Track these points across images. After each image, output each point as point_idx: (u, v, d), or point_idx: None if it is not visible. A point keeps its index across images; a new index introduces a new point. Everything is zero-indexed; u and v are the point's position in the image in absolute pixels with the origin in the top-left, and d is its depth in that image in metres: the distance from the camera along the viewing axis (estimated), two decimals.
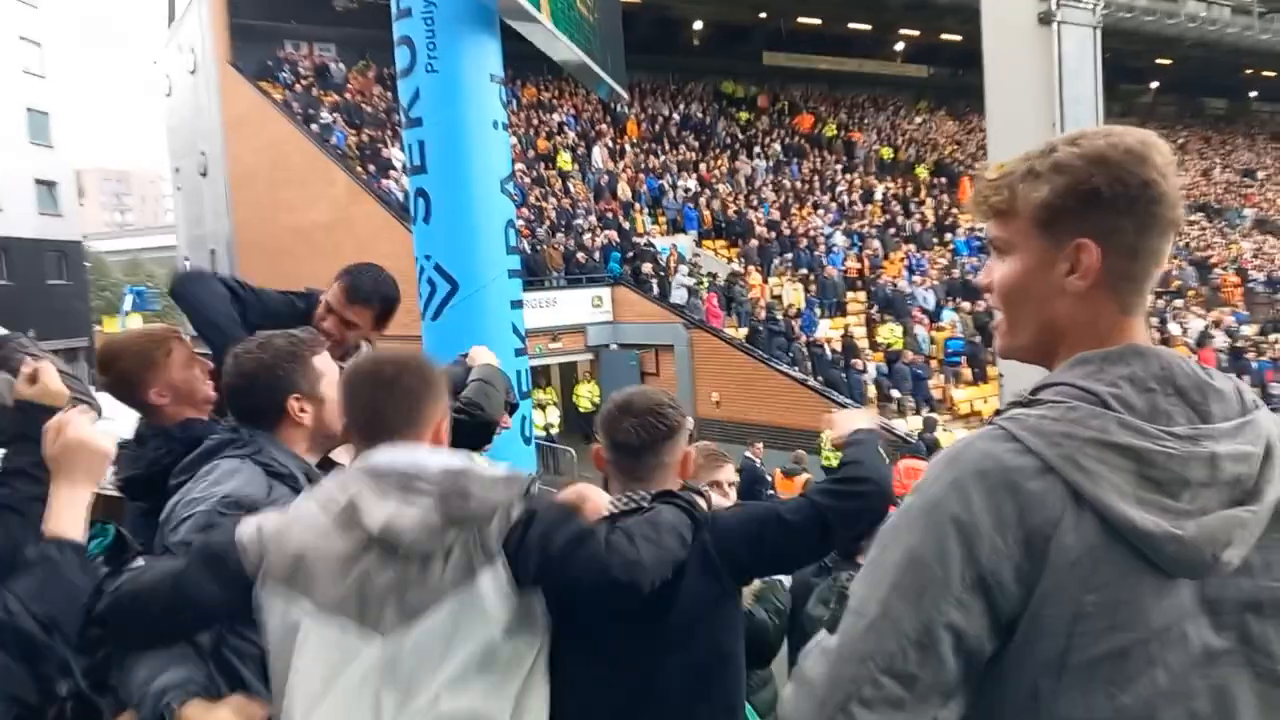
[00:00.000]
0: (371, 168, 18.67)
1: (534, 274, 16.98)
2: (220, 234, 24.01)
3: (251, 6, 21.56)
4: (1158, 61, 36.80)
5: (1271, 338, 21.54)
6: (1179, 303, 22.49)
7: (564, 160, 21.29)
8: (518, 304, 5.57)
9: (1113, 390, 1.13)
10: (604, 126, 22.96)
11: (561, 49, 6.20)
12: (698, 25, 28.20)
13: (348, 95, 21.50)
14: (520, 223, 17.77)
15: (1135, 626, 1.08)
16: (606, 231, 18.76)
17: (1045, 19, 6.30)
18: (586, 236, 18.50)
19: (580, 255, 17.82)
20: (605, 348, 18.04)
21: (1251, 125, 44.98)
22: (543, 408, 17.16)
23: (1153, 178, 1.16)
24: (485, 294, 5.26)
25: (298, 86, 21.26)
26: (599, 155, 21.74)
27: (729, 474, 3.11)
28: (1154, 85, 42.48)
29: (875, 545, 1.18)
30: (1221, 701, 1.11)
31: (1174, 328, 20.69)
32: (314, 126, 19.67)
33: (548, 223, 18.73)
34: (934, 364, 17.34)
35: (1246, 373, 19.26)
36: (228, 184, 22.93)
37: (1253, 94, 46.26)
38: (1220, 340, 20.42)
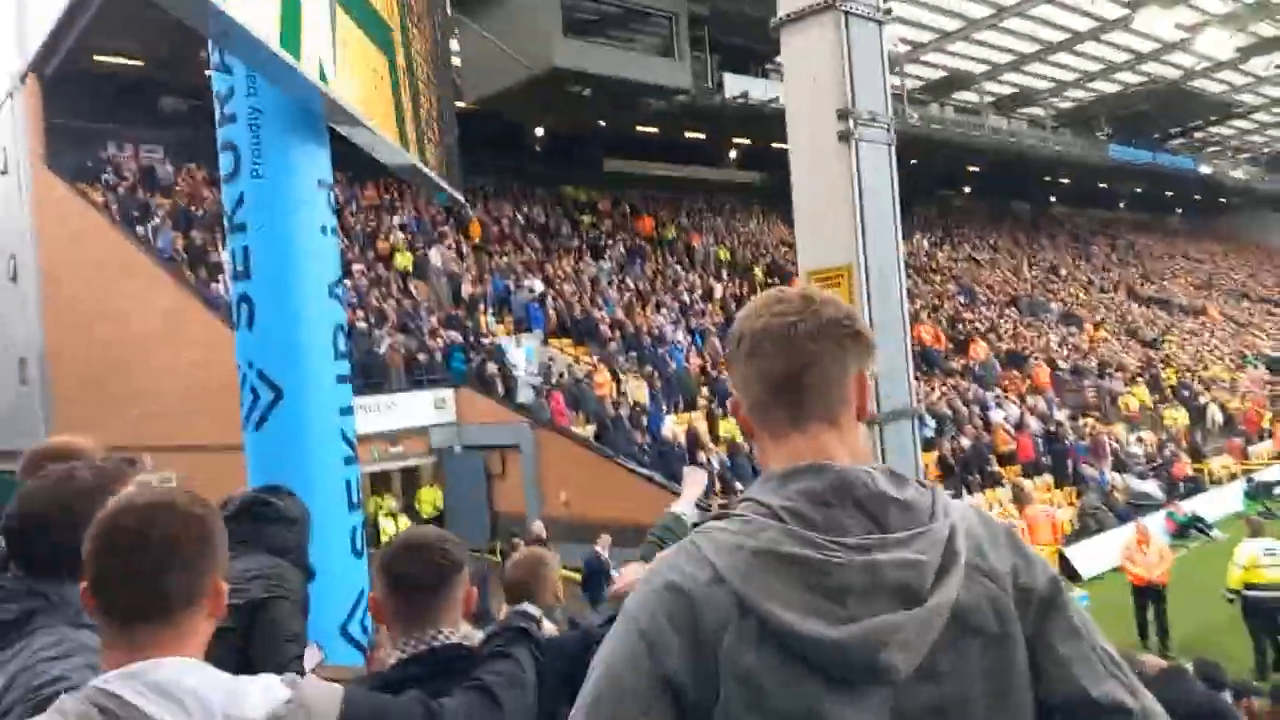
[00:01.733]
0: (202, 272, 17.98)
1: (372, 376, 16.58)
2: (31, 343, 22.47)
3: (70, 106, 20.66)
4: (969, 168, 39.93)
5: (1081, 422, 23.13)
6: (997, 392, 23.91)
7: (404, 260, 21.09)
8: (347, 410, 5.40)
9: (786, 504, 1.22)
10: (446, 229, 22.96)
11: (392, 153, 6.21)
12: (539, 132, 28.83)
13: (176, 197, 20.79)
14: (359, 325, 17.44)
15: None
16: (449, 332, 18.59)
17: (844, 137, 6.71)
18: (428, 338, 18.26)
19: (422, 356, 17.55)
20: (449, 450, 17.67)
21: (1053, 226, 49.09)
22: (393, 516, 16.54)
23: (744, 328, 1.37)
24: (311, 402, 5.09)
25: (121, 188, 20.41)
26: (440, 256, 21.65)
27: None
28: (966, 190, 45.97)
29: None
30: None
31: (996, 415, 21.97)
32: (139, 230, 18.86)
33: (388, 324, 18.40)
34: None
35: (1062, 455, 20.60)
36: (39, 290, 21.59)
37: (1052, 199, 50.67)
38: (1035, 425, 21.78)
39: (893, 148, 7.08)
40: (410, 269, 21.09)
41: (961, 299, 31.79)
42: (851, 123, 6.69)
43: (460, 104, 23.10)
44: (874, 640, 1.12)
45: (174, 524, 1.39)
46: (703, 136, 28.28)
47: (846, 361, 1.33)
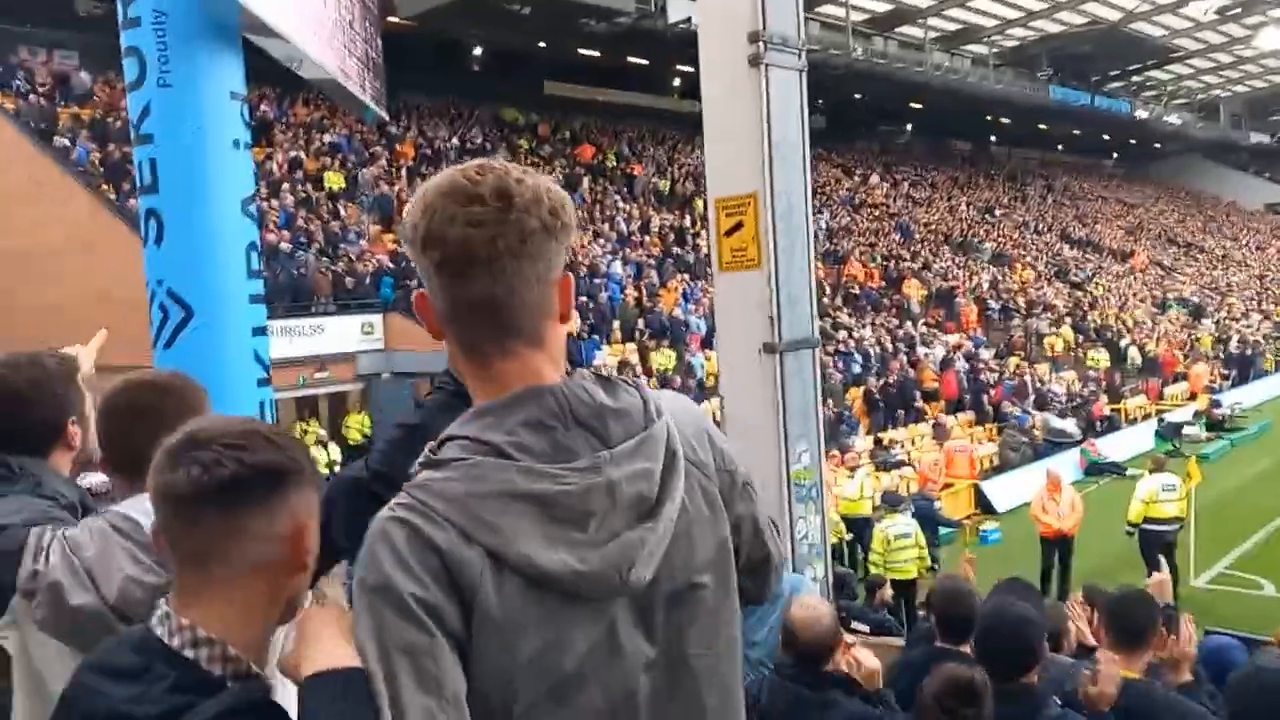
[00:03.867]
0: (125, 186, 17.33)
1: (298, 299, 16.25)
2: None
3: None
4: (911, 105, 40.01)
5: (1006, 360, 23.71)
6: (923, 329, 24.36)
7: (334, 180, 20.56)
8: (261, 331, 5.28)
9: (510, 439, 1.16)
10: (379, 149, 22.39)
11: (309, 66, 5.99)
12: (478, 51, 28.12)
13: (92, 107, 19.91)
14: (285, 246, 17.02)
15: (567, 662, 1.14)
16: (379, 256, 18.26)
17: (754, 61, 6.64)
18: (358, 261, 17.91)
19: (350, 280, 17.23)
20: (377, 377, 17.44)
21: (991, 166, 49.63)
22: (323, 444, 16.33)
23: (417, 220, 1.20)
24: (222, 321, 4.98)
25: (33, 97, 19.48)
26: (372, 177, 21.15)
27: None
28: (909, 127, 46.13)
29: None
30: (655, 700, 1.20)
31: (922, 350, 22.40)
32: (54, 141, 18.06)
33: (315, 246, 17.98)
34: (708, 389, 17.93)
35: (985, 392, 21.14)
36: None
37: (992, 138, 51.14)
38: (961, 363, 22.27)
39: (804, 74, 7.02)
40: (340, 189, 20.58)
41: (898, 236, 32.09)
42: (762, 46, 6.60)
43: (395, 19, 22.42)
44: (624, 562, 1.16)
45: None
46: (646, 63, 27.82)
47: (552, 269, 1.22)
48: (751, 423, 7.17)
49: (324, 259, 17.54)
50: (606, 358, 17.76)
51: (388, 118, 8.72)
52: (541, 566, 1.12)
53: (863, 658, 3.21)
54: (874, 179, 38.54)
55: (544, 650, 1.13)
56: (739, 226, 7.21)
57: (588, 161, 27.03)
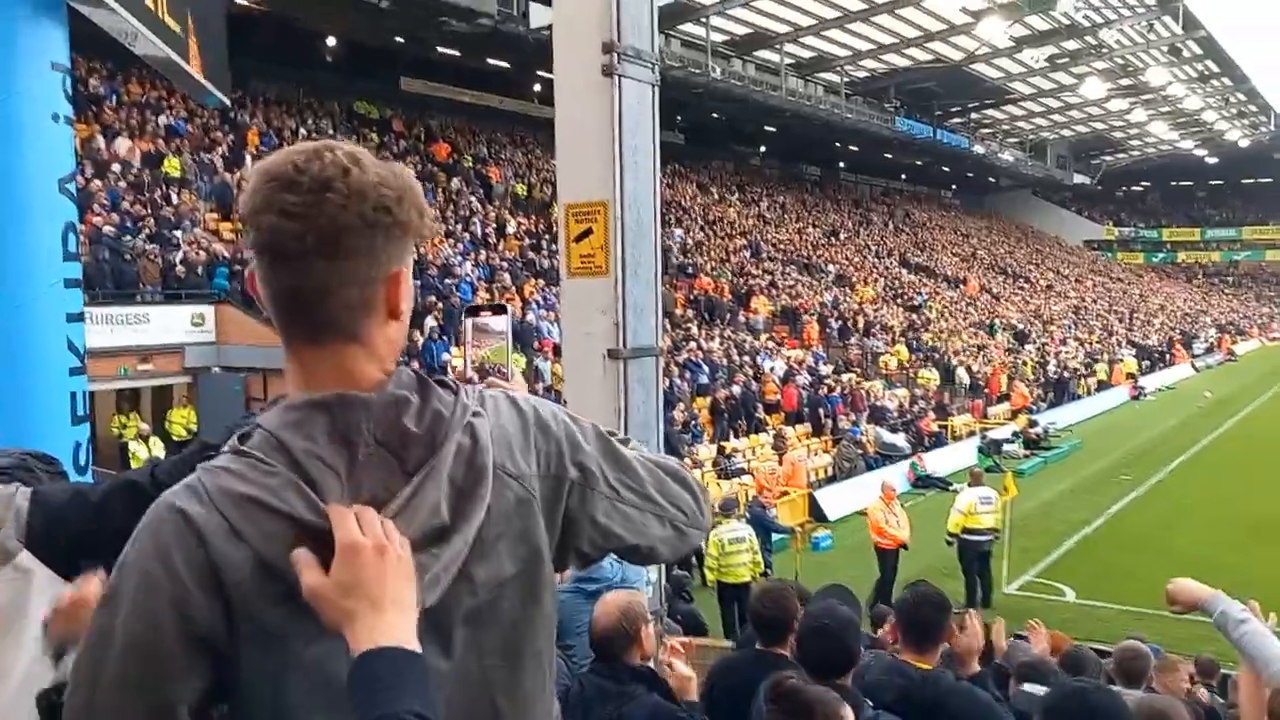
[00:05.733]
0: None
1: (123, 286, 15.37)
2: None
3: None
4: (766, 128, 41.19)
5: (843, 376, 24.68)
6: (768, 343, 25.12)
7: (170, 165, 19.54)
8: (76, 317, 5.00)
9: (308, 447, 1.12)
10: (220, 134, 21.44)
11: (143, 42, 5.71)
12: (331, 42, 27.33)
13: None
14: (110, 230, 16.07)
15: (345, 673, 1.05)
16: (214, 245, 17.46)
17: (607, 71, 6.75)
18: (190, 249, 17.06)
19: (181, 269, 16.40)
20: (206, 371, 16.61)
21: (839, 192, 51.61)
22: (144, 440, 15.45)
23: (245, 198, 1.14)
24: (33, 305, 4.68)
25: None
26: (211, 163, 20.22)
27: None
28: (762, 149, 47.47)
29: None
30: (449, 711, 1.14)
31: (766, 364, 23.09)
32: None
33: (146, 232, 17.02)
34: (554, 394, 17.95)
35: (822, 406, 21.96)
36: None
37: (841, 165, 53.18)
38: (803, 378, 23.08)
39: (656, 88, 7.17)
40: (176, 175, 19.57)
41: (748, 253, 32.97)
42: (615, 57, 6.71)
43: (245, 2, 21.57)
44: None
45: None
46: (507, 66, 27.66)
47: (377, 265, 1.15)
48: None
49: (154, 245, 16.61)
50: (454, 360, 17.54)
51: (229, 103, 8.38)
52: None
53: (676, 665, 3.24)
54: (728, 197, 39.51)
55: (320, 661, 1.08)
56: (589, 233, 7.27)
57: (443, 161, 26.64)
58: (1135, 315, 50.08)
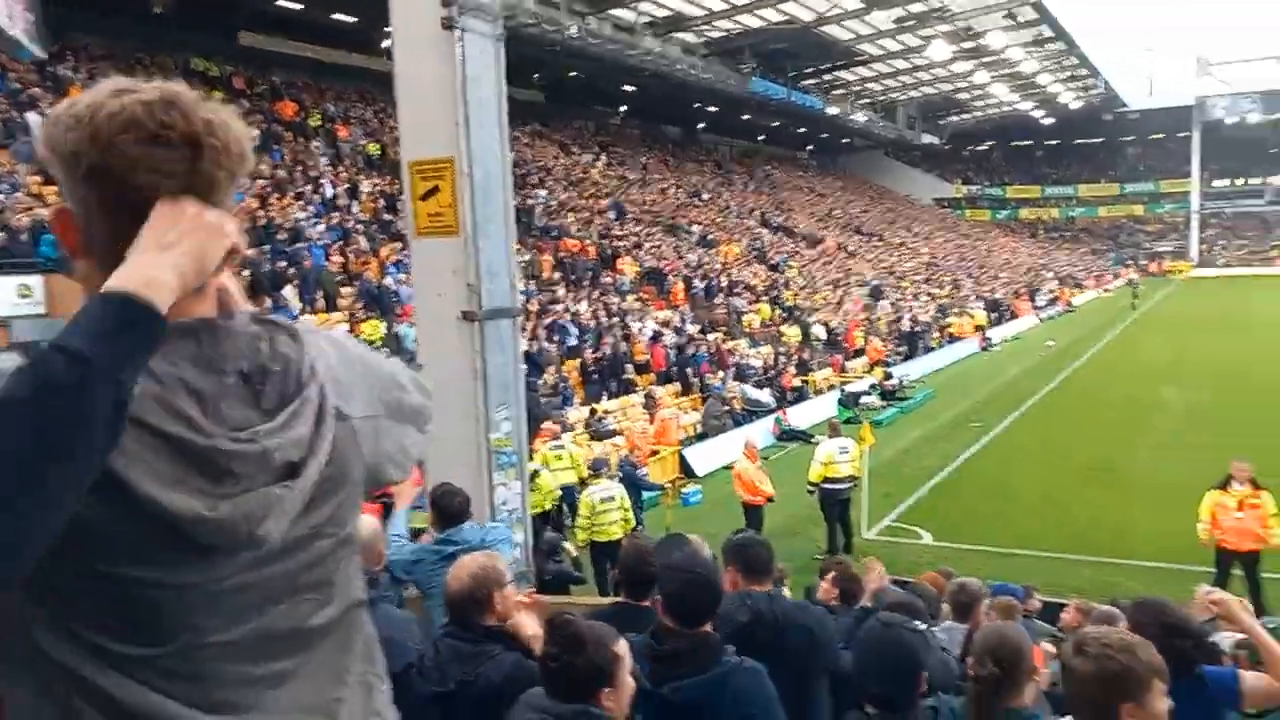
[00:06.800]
0: None
1: None
2: None
3: None
4: (625, 88, 40.98)
5: (709, 336, 24.96)
6: (635, 304, 25.15)
7: None
8: None
9: (172, 370, 1.12)
10: (40, 90, 19.79)
11: None
12: None
13: None
14: None
15: (159, 597, 1.08)
16: (39, 209, 16.15)
17: (447, 24, 6.51)
18: (13, 215, 15.75)
19: (2, 235, 15.13)
20: (35, 345, 15.40)
21: (700, 152, 52.00)
22: None
23: (81, 147, 1.12)
24: None
25: None
26: (33, 122, 18.67)
27: None
28: (622, 109, 47.29)
29: None
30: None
31: (634, 325, 23.09)
32: None
33: None
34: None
35: (689, 365, 22.14)
36: None
37: (700, 125, 53.55)
38: (670, 338, 23.21)
39: (501, 41, 6.95)
40: None
41: (613, 215, 32.83)
42: (456, 10, 6.47)
43: None
44: (255, 515, 1.12)
45: None
46: (355, 20, 26.50)
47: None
48: (450, 391, 7.00)
49: None
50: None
51: (46, 56, 7.66)
52: (160, 503, 1.05)
53: (523, 623, 3.21)
54: (589, 158, 39.23)
55: (137, 581, 1.07)
56: (435, 190, 6.99)
57: (289, 119, 25.39)
58: (983, 270, 52.41)
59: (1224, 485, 10.17)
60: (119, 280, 1.03)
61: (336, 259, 19.44)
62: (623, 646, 2.51)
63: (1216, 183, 76.63)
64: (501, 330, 7.10)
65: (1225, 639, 4.64)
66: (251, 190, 20.22)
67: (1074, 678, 2.40)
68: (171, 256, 1.07)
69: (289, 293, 17.46)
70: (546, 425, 14.94)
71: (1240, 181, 76.52)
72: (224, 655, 1.13)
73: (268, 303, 16.44)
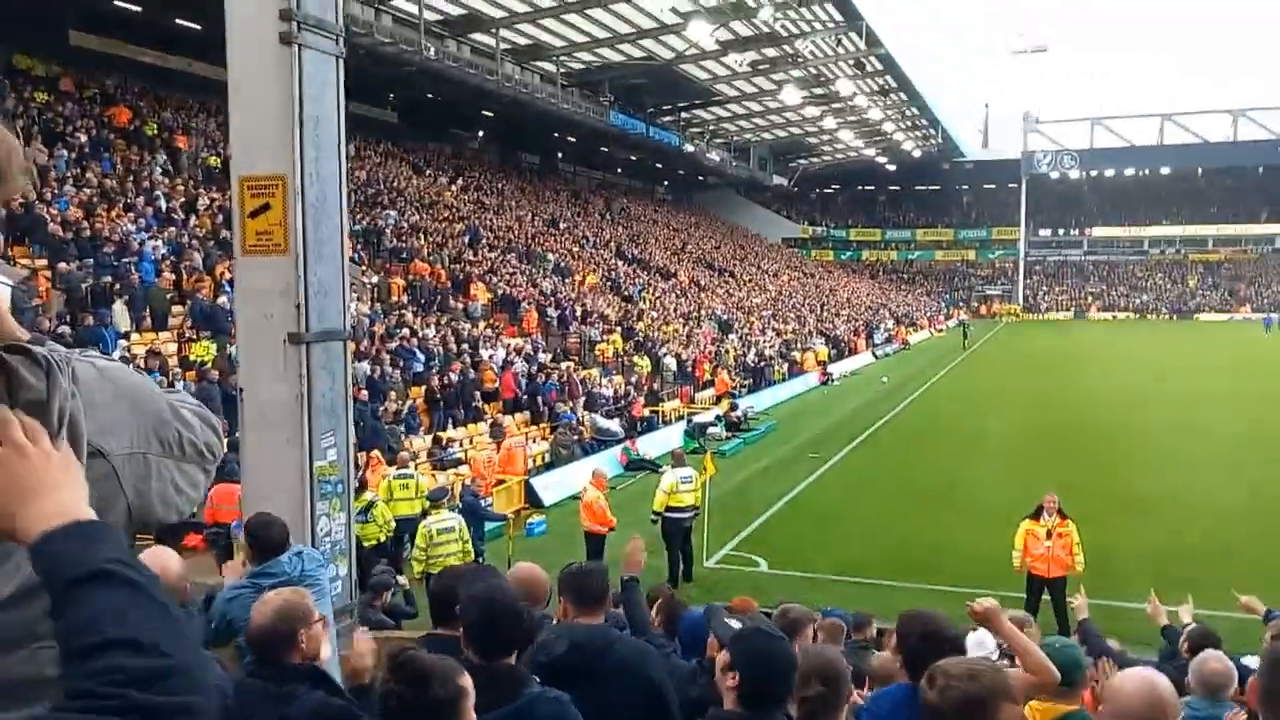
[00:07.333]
0: None
1: None
2: None
3: None
4: (483, 112, 40.74)
5: (561, 364, 24.92)
6: (487, 331, 24.89)
7: None
8: None
9: None
10: None
11: None
12: None
13: None
14: None
15: None
16: None
17: (285, 39, 6.35)
18: None
19: None
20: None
21: (557, 181, 52.14)
22: None
23: None
24: None
25: None
26: None
27: None
28: (480, 134, 46.99)
29: None
30: None
31: (484, 352, 22.82)
32: None
33: None
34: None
35: (540, 393, 22.03)
36: None
37: (560, 155, 53.76)
38: (520, 365, 23.03)
39: (341, 61, 6.81)
40: None
41: (466, 239, 32.46)
42: (295, 26, 6.30)
43: None
44: None
45: None
46: (198, 27, 25.39)
47: None
48: (273, 416, 6.73)
49: None
50: (134, 347, 15.89)
51: None
52: None
53: (362, 652, 3.30)
54: (444, 180, 38.74)
55: None
56: (266, 208, 6.74)
57: (122, 127, 24.05)
58: (825, 308, 54.39)
59: (1036, 515, 10.83)
60: None
61: (169, 275, 18.46)
62: (467, 680, 2.46)
63: (1042, 232, 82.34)
64: (331, 353, 6.87)
65: (992, 643, 5.32)
66: (74, 199, 19.04)
67: (928, 711, 2.55)
68: (70, 491, 1.07)
69: (118, 309, 16.47)
70: (403, 454, 14.56)
71: (1062, 232, 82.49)
72: None
73: (89, 320, 15.47)
